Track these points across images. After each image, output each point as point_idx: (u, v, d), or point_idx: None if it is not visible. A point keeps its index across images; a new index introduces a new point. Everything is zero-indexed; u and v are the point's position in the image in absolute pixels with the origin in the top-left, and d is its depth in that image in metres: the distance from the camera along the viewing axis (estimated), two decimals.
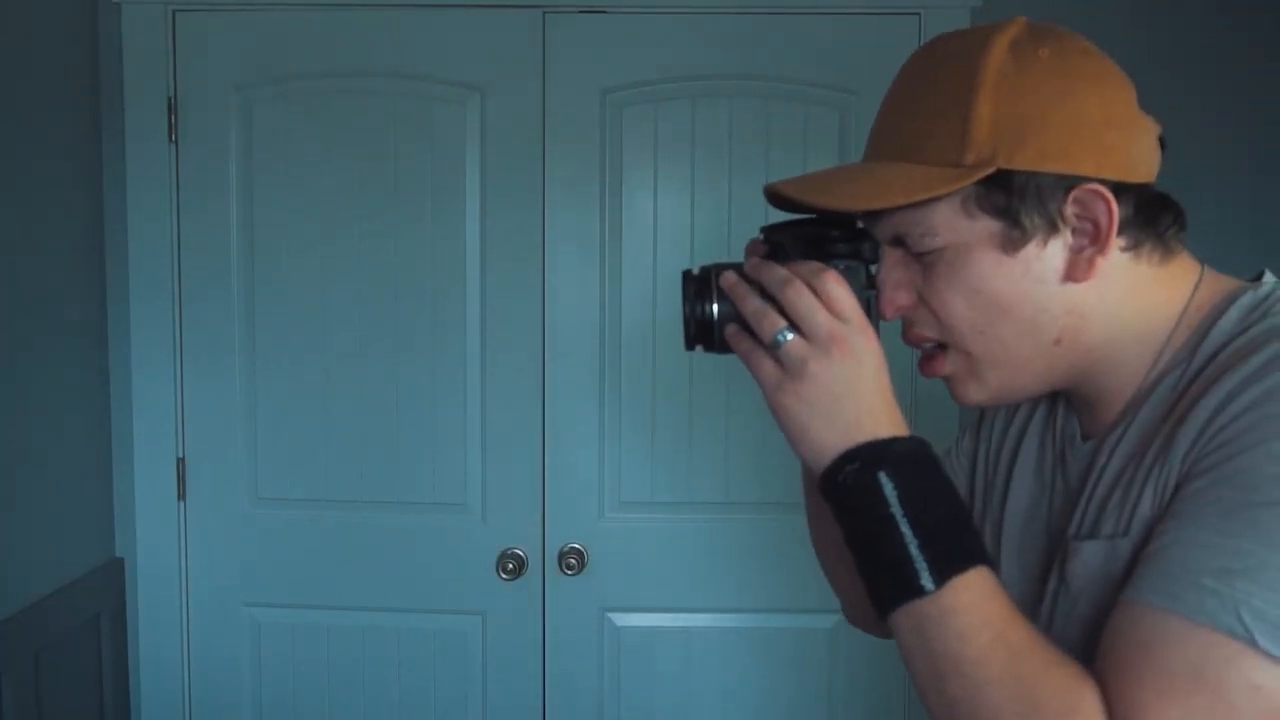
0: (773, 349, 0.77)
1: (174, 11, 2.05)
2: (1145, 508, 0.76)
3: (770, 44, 2.03)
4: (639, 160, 2.06)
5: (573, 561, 2.10)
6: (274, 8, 2.05)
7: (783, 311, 0.77)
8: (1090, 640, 0.76)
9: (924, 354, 0.85)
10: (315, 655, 2.16)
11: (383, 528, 2.13)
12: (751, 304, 0.78)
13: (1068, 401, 0.90)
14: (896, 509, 0.73)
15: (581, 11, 2.04)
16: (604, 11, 2.04)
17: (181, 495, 2.14)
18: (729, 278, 0.81)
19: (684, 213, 2.07)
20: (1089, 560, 0.79)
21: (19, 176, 1.83)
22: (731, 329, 0.80)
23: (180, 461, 2.13)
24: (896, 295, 0.83)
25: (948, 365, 0.84)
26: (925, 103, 0.79)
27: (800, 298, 0.76)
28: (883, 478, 0.74)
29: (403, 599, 2.14)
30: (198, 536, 2.15)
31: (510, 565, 2.11)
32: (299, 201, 2.08)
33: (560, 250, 2.07)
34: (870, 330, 0.77)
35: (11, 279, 1.82)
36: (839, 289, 0.77)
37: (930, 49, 0.83)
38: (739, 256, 0.85)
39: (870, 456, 0.74)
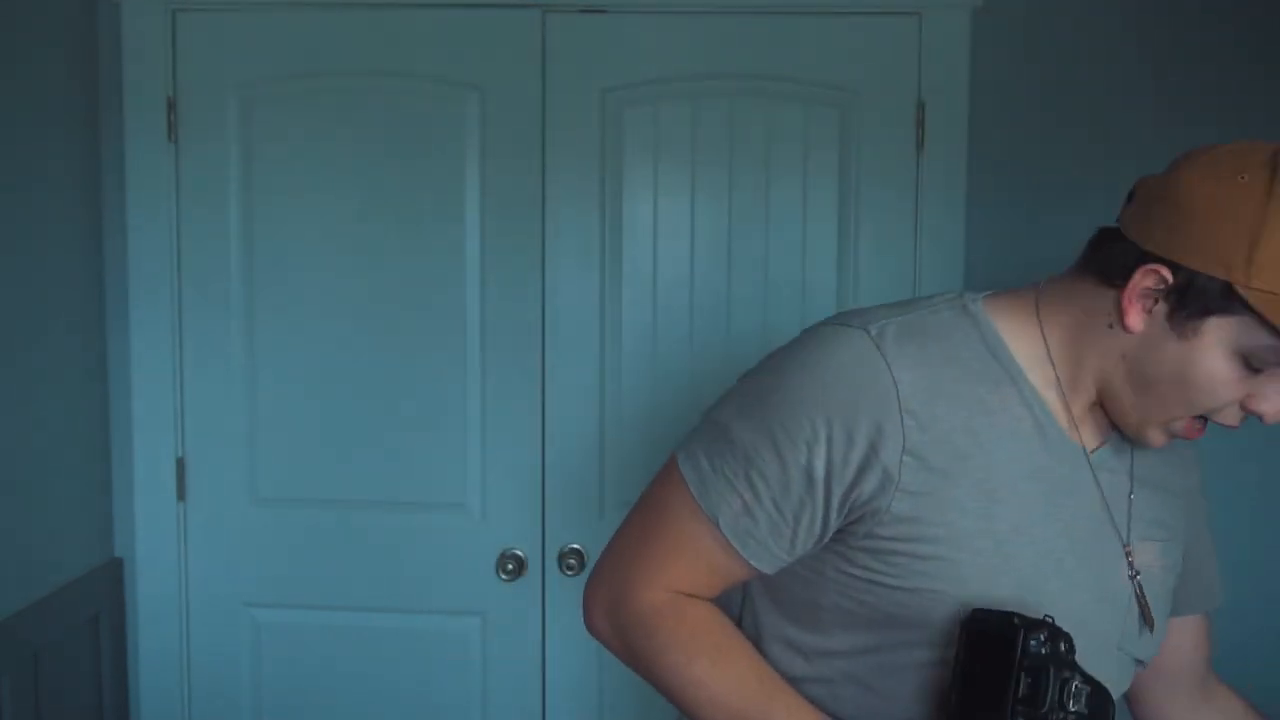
0: None
1: (174, 11, 2.05)
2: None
3: (770, 44, 2.03)
4: (639, 160, 2.06)
5: (573, 562, 2.10)
6: (274, 8, 2.05)
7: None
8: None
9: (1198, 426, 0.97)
10: (315, 655, 2.16)
11: (383, 528, 2.13)
12: None
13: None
14: None
15: (581, 11, 2.04)
16: (604, 11, 2.04)
17: (181, 495, 2.14)
18: None
19: (684, 212, 2.06)
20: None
21: (18, 176, 1.83)
22: None
23: (180, 461, 2.13)
24: None
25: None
26: None
27: None
28: None
29: (403, 599, 2.14)
30: (197, 536, 2.15)
31: (510, 565, 2.11)
32: (298, 201, 2.08)
33: (560, 250, 2.07)
34: None
35: (11, 279, 1.82)
36: None
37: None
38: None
39: None
